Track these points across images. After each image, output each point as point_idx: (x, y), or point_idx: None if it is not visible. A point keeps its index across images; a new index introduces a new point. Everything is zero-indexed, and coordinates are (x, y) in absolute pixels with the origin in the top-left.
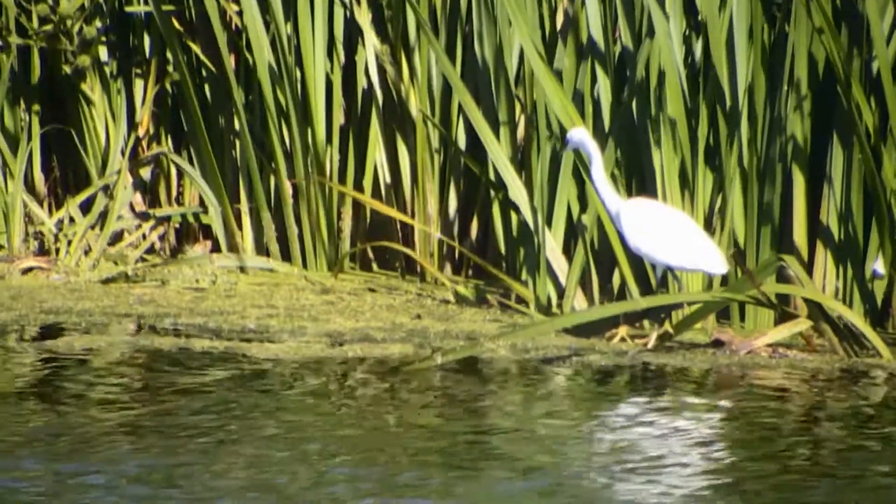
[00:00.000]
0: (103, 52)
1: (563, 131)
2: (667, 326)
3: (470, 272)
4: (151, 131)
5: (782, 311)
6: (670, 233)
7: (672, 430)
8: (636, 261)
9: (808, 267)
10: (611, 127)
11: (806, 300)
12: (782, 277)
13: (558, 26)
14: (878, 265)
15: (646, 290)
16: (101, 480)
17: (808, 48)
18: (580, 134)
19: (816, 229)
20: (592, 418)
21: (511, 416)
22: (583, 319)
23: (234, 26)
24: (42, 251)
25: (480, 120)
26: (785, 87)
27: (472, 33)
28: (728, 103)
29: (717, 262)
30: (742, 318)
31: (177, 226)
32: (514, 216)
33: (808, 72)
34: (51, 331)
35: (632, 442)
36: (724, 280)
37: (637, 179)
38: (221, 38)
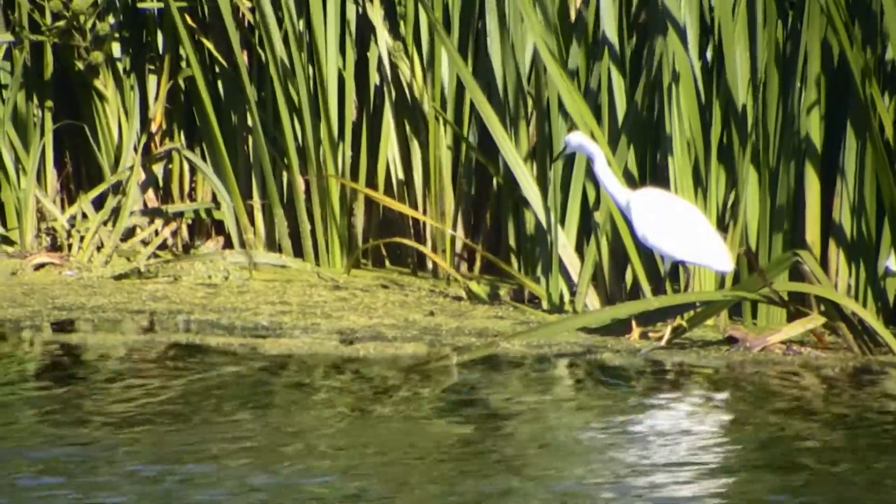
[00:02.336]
0: (116, 49)
1: (576, 129)
2: (679, 320)
3: (482, 269)
4: (164, 127)
5: (795, 308)
6: (678, 224)
7: (686, 427)
8: (649, 258)
9: (821, 264)
10: (623, 124)
11: (819, 297)
12: (796, 273)
13: (571, 23)
14: (890, 262)
15: (658, 287)
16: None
17: (820, 43)
18: (578, 137)
19: (829, 226)
20: (605, 418)
21: (524, 415)
22: (597, 320)
23: (246, 23)
24: (54, 247)
25: (493, 118)
26: (798, 84)
27: (484, 30)
28: (741, 100)
29: (722, 258)
30: (755, 315)
31: (189, 222)
32: (526, 213)
33: (821, 68)
34: (63, 327)
35: (645, 441)
36: (737, 276)
37: (650, 177)
38: (234, 35)
